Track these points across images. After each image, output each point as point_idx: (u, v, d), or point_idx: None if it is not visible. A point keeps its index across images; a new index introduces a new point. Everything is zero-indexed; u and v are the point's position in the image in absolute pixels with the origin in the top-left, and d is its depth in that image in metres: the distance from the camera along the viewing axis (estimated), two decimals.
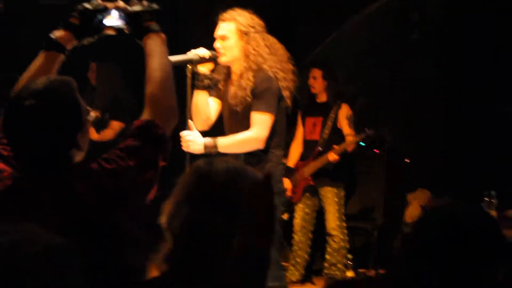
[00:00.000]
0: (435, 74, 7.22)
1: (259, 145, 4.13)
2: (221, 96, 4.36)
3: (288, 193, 6.28)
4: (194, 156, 4.06)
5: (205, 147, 4.09)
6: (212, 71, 4.29)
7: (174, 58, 3.74)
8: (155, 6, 2.62)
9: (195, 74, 4.19)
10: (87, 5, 2.63)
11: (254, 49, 4.16)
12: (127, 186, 2.24)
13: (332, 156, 6.16)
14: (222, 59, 4.22)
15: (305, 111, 6.55)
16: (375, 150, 6.30)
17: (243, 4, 4.33)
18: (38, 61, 2.58)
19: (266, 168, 4.12)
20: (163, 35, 2.56)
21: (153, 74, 2.44)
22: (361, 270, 6.67)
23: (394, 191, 7.03)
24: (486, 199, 5.72)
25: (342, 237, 6.25)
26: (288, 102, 4.24)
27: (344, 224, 6.29)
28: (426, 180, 6.95)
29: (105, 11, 2.61)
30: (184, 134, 4.12)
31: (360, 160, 6.85)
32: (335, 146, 6.19)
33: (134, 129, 2.34)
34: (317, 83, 6.44)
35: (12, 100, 2.27)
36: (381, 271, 6.67)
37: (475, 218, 1.86)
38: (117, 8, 2.61)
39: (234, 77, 4.26)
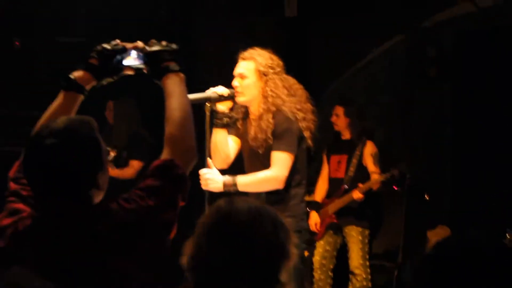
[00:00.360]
0: (451, 109, 7.19)
1: (279, 185, 4.11)
2: (240, 135, 4.35)
3: (317, 227, 6.25)
4: (213, 195, 4.06)
5: (225, 185, 4.06)
6: (231, 109, 4.27)
7: (193, 96, 3.71)
8: (174, 46, 2.61)
9: (213, 112, 4.17)
10: (106, 46, 2.63)
11: (272, 91, 4.16)
12: (148, 226, 2.21)
13: (357, 195, 6.09)
14: (240, 99, 4.21)
15: (329, 149, 6.53)
16: (394, 187, 6.22)
17: (257, 40, 4.32)
18: (57, 101, 2.58)
19: (289, 206, 4.08)
20: (182, 75, 2.56)
21: (173, 114, 2.43)
22: None
23: (414, 228, 6.95)
24: (508, 236, 5.65)
25: (365, 276, 6.16)
26: (310, 142, 4.23)
27: (368, 263, 6.21)
28: (446, 216, 6.88)
29: (124, 51, 2.62)
30: (203, 172, 4.10)
31: (382, 198, 6.78)
32: (360, 185, 6.13)
33: (154, 168, 2.33)
34: (340, 120, 6.41)
35: (33, 139, 2.27)
36: None
37: (492, 249, 1.74)
38: (136, 48, 2.62)
39: (253, 116, 4.24)
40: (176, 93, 2.48)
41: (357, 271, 6.16)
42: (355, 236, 6.20)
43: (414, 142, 7.22)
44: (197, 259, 1.96)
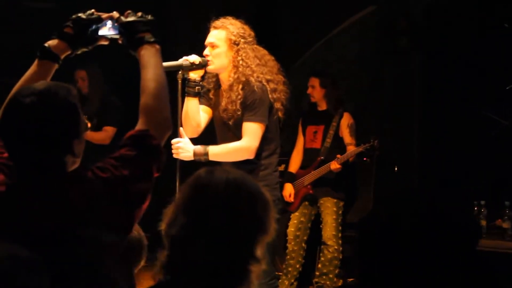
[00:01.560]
0: (421, 81, 7.21)
1: (250, 155, 4.12)
2: (212, 105, 4.34)
3: (291, 199, 6.25)
4: (184, 163, 4.05)
5: (195, 154, 4.08)
6: (202, 79, 4.24)
7: (165, 64, 3.66)
8: (149, 16, 2.60)
9: (185, 81, 4.14)
10: (81, 15, 2.62)
11: (243, 60, 4.15)
12: (121, 195, 2.21)
13: (335, 165, 6.09)
14: (210, 67, 4.21)
15: (305, 120, 6.53)
16: (364, 159, 6.23)
17: (231, 8, 4.28)
18: (31, 70, 2.58)
19: (262, 175, 4.10)
20: (157, 46, 2.54)
21: (148, 85, 2.43)
22: (350, 280, 6.62)
23: (382, 199, 6.99)
24: (476, 208, 5.72)
25: (336, 247, 6.19)
26: (280, 113, 4.23)
27: (340, 235, 6.23)
28: (414, 188, 6.92)
29: (99, 21, 2.62)
30: (174, 141, 4.10)
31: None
32: (338, 156, 6.12)
33: (129, 138, 2.32)
34: (316, 91, 6.41)
35: (12, 98, 2.26)
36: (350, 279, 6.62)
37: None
38: (111, 18, 2.61)
39: (224, 87, 4.24)
40: (151, 64, 2.47)
41: (329, 242, 6.17)
42: (330, 208, 6.21)
43: (383, 114, 7.24)
44: (173, 227, 1.96)
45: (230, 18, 4.23)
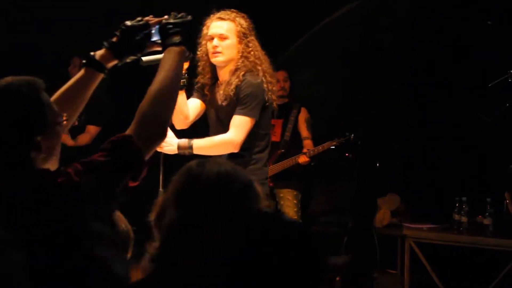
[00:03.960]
0: (405, 78, 7.22)
1: (235, 149, 4.08)
2: (207, 102, 4.31)
3: None
4: (168, 157, 4.04)
5: (179, 147, 4.03)
6: (196, 74, 4.23)
7: (148, 58, 3.64)
8: (188, 17, 2.58)
9: None
10: (127, 22, 2.60)
11: (253, 51, 4.14)
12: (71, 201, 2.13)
13: (304, 159, 6.11)
14: (219, 59, 4.16)
15: None
16: (346, 154, 6.25)
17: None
18: (76, 77, 2.58)
19: (251, 169, 4.09)
20: (182, 47, 2.50)
21: (151, 87, 2.37)
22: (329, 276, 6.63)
23: (364, 195, 7.01)
24: (457, 205, 5.74)
25: None
26: (275, 104, 4.23)
27: None
28: (396, 184, 6.94)
29: (147, 27, 2.59)
30: None
31: (333, 164, 6.82)
32: (309, 149, 6.16)
33: (108, 143, 2.24)
34: (287, 85, 6.52)
35: None
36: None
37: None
38: (160, 23, 2.59)
39: (223, 79, 4.21)
40: (165, 66, 2.43)
41: None
42: (290, 200, 6.24)
43: (367, 110, 7.24)
44: (164, 219, 1.95)
45: (234, 10, 4.20)
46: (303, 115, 6.48)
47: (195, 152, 4.02)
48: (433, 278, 5.85)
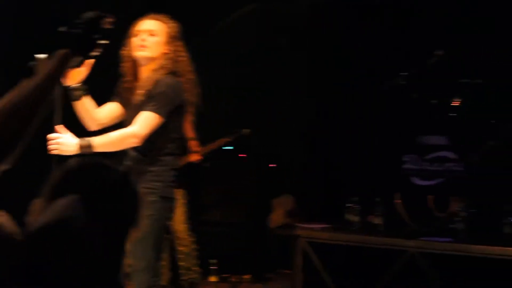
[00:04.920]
0: (303, 79, 7.27)
1: (137, 142, 4.01)
2: (124, 104, 4.24)
3: None
4: (63, 159, 3.86)
5: (80, 147, 3.89)
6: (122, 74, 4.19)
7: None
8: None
9: (66, 89, 3.92)
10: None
11: (181, 54, 4.14)
12: None
13: (195, 157, 6.06)
14: (144, 53, 4.11)
15: None
16: (239, 155, 6.25)
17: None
18: None
19: (158, 171, 4.05)
20: (66, 50, 2.22)
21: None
22: (225, 275, 6.62)
23: (259, 196, 7.03)
24: (349, 205, 5.81)
25: (191, 239, 6.14)
26: (191, 115, 4.26)
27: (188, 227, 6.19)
28: (291, 186, 6.99)
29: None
30: (53, 136, 3.87)
31: (227, 165, 6.81)
32: (200, 148, 6.10)
33: None
34: None
35: None
36: (245, 276, 6.66)
37: None
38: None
39: (144, 75, 4.15)
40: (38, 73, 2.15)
41: (183, 235, 6.11)
42: (180, 200, 6.17)
43: (264, 111, 7.25)
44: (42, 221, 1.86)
45: (166, 16, 4.21)
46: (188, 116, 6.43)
47: (96, 150, 3.91)
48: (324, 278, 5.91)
